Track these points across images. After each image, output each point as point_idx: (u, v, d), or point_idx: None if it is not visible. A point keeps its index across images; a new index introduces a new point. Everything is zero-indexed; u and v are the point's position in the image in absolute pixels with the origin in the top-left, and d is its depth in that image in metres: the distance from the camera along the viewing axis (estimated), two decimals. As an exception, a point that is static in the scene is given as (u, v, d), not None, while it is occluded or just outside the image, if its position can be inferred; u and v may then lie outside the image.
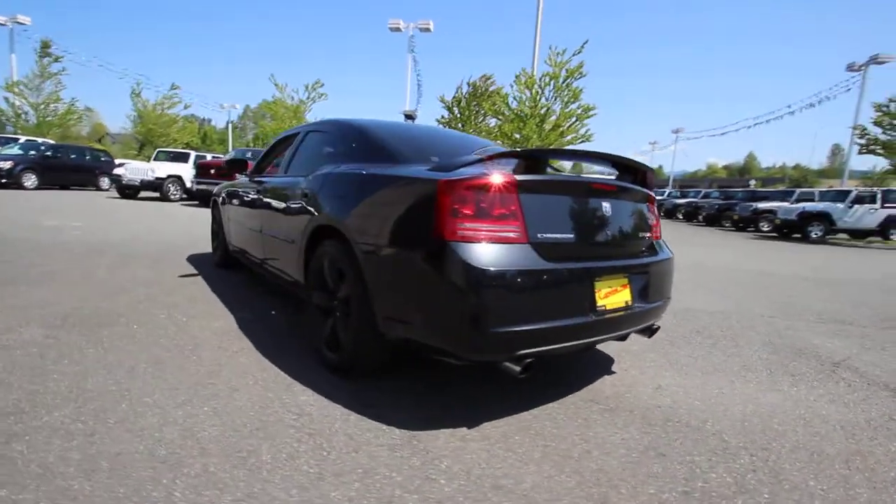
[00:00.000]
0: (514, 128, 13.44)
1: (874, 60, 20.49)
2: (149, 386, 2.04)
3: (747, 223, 18.14)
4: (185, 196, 14.97)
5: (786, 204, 16.96)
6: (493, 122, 18.94)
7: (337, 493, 1.42)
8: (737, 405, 2.23)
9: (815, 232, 14.45)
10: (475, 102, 18.72)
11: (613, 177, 2.38)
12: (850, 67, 21.85)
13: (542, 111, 13.26)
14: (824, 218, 14.36)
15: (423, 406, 2.02)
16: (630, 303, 2.06)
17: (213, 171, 12.98)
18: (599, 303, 1.91)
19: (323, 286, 2.42)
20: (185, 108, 23.85)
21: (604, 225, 2.05)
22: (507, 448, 1.73)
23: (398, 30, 24.04)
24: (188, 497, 1.36)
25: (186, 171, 15.16)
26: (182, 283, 3.90)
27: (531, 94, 13.35)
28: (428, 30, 24.18)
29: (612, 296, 1.99)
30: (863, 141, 14.86)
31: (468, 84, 19.00)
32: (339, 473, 1.52)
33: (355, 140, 2.52)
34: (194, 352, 2.47)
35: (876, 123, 14.30)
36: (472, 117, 18.80)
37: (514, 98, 14.03)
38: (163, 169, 14.47)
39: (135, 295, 3.46)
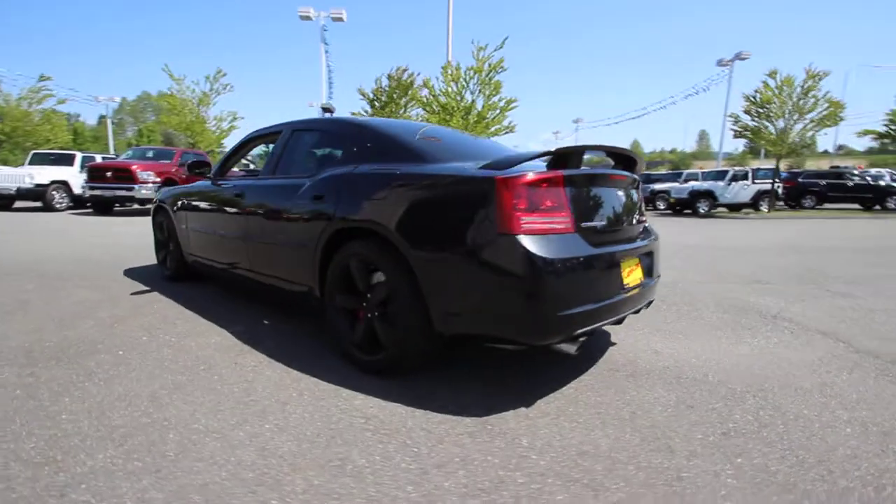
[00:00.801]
0: (441, 119, 13.64)
1: (738, 57, 24.01)
2: (185, 412, 1.90)
3: (646, 203, 20.34)
4: (72, 204, 13.11)
5: (677, 184, 19.31)
6: (415, 113, 18.96)
7: (449, 483, 1.48)
8: (723, 358, 2.62)
9: (703, 207, 16.63)
10: (397, 94, 18.57)
11: (611, 166, 2.63)
12: (719, 63, 25.35)
13: (468, 104, 13.61)
14: (709, 195, 16.58)
15: (468, 393, 2.11)
16: (642, 280, 2.33)
17: (109, 175, 11.52)
18: (625, 281, 2.15)
19: (349, 289, 2.39)
20: (59, 103, 20.49)
21: (620, 211, 2.29)
22: (571, 419, 1.90)
23: (308, 18, 22.91)
24: (311, 511, 1.34)
25: (73, 175, 13.26)
26: (142, 302, 3.53)
27: (457, 87, 13.63)
28: (341, 19, 23.35)
29: (632, 274, 2.24)
30: (736, 127, 17.36)
31: (388, 77, 18.75)
32: (439, 465, 1.58)
33: (371, 140, 2.49)
34: (211, 371, 2.30)
35: (745, 112, 16.76)
36: (396, 109, 18.64)
37: (441, 91, 14.21)
38: (43, 174, 12.51)
39: (98, 319, 3.07)
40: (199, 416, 1.86)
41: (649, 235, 2.63)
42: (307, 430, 1.78)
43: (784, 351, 2.76)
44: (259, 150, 4.57)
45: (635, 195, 2.53)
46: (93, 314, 3.18)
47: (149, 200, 10.75)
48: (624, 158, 2.64)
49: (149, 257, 5.02)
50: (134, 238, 7.31)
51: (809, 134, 16.55)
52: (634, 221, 2.48)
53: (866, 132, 19.60)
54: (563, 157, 2.00)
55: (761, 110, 16.15)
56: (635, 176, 2.57)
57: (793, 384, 2.29)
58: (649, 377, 2.34)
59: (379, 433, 1.77)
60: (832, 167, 22.90)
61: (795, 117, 15.56)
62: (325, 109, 18.92)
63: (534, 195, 1.84)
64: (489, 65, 13.52)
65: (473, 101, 14.10)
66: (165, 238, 4.29)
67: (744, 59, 23.83)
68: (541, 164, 2.02)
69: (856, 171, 20.09)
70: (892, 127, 18.12)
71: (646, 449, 1.69)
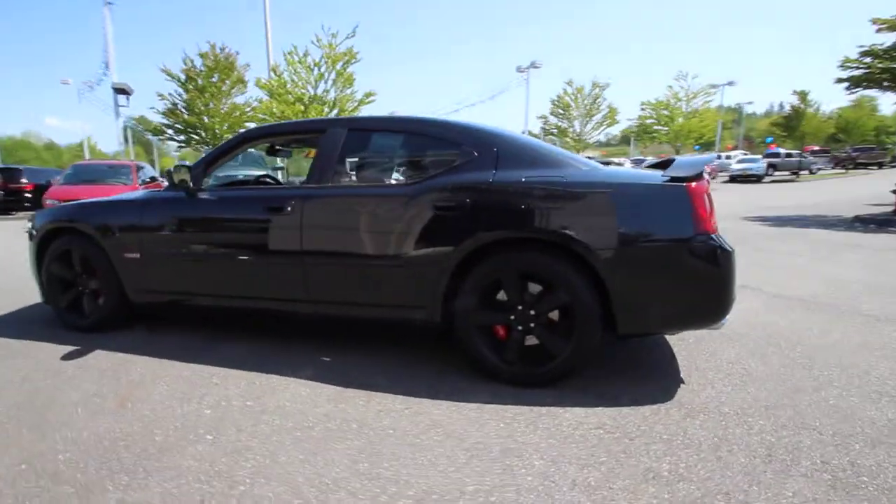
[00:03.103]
0: (297, 111, 12.42)
1: (533, 65, 28.36)
2: (379, 482, 1.58)
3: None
4: None
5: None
6: (241, 99, 16.83)
7: (667, 465, 1.66)
8: (784, 323, 3.28)
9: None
10: (218, 76, 16.04)
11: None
12: (518, 69, 29.49)
13: (321, 94, 12.74)
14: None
15: (618, 384, 2.30)
16: None
17: None
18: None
19: (490, 305, 2.27)
20: None
21: None
22: (704, 400, 2.26)
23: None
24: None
25: None
26: (109, 368, 2.51)
27: (314, 76, 12.58)
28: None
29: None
30: (546, 126, 20.79)
31: (201, 55, 16.00)
32: (686, 445, 1.75)
33: (500, 145, 2.33)
34: (352, 433, 1.91)
35: (552, 114, 20.17)
36: (216, 94, 16.11)
37: (291, 79, 12.90)
38: None
39: (91, 408, 2.09)
40: (399, 482, 1.58)
41: None
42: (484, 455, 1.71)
43: (804, 317, 3.69)
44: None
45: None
46: (68, 395, 2.14)
47: None
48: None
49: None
50: None
51: (597, 132, 21.08)
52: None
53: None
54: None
55: (563, 112, 19.74)
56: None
57: (844, 344, 3.13)
58: (756, 343, 2.88)
59: (618, 435, 1.82)
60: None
61: (587, 120, 19.65)
62: (120, 90, 15.01)
63: (708, 199, 2.11)
64: (346, 54, 12.89)
65: (327, 90, 13.28)
66: (76, 275, 3.05)
67: (538, 67, 28.37)
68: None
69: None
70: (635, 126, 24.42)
71: (807, 399, 2.18)
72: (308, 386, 2.29)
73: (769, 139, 34.27)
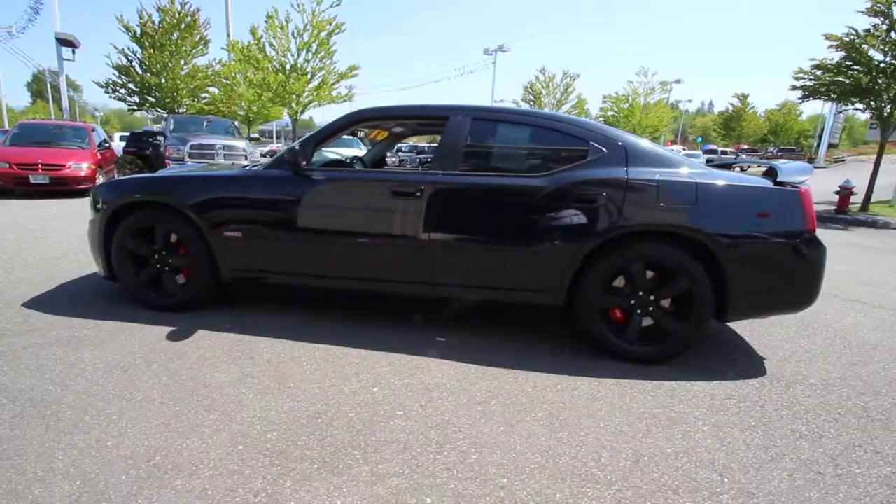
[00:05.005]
0: (279, 80, 11.73)
1: (501, 49, 28.48)
2: (587, 447, 1.81)
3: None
4: None
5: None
6: (202, 61, 15.65)
7: (803, 426, 2.05)
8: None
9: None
10: (176, 34, 14.68)
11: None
12: (485, 52, 29.51)
13: (309, 66, 12.10)
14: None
15: (720, 365, 2.64)
16: None
17: None
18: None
19: (611, 290, 2.52)
20: None
21: None
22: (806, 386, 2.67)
23: None
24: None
25: None
26: (230, 348, 2.48)
27: (297, 45, 11.87)
28: None
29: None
30: (517, 111, 21.19)
31: (159, 10, 14.55)
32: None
33: (627, 144, 2.53)
34: (530, 407, 2.09)
35: (523, 100, 20.53)
36: (175, 53, 14.77)
37: (271, 45, 12.10)
38: None
39: (253, 389, 2.08)
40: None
41: None
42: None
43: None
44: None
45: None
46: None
47: None
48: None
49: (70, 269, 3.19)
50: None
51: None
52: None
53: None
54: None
55: (534, 99, 20.20)
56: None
57: None
58: (842, 343, 3.32)
59: (748, 403, 2.15)
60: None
61: (557, 108, 20.27)
62: (65, 42, 13.29)
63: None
64: (332, 24, 12.29)
65: (307, 59, 12.65)
66: (154, 251, 2.90)
67: (505, 51, 28.53)
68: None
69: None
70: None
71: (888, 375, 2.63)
72: (446, 364, 2.42)
73: (699, 139, 37.05)
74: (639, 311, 2.52)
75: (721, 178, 2.47)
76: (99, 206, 2.97)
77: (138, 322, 2.76)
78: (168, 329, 2.67)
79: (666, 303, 2.57)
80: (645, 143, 2.64)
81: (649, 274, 2.52)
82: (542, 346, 2.70)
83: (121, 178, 3.85)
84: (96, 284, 3.38)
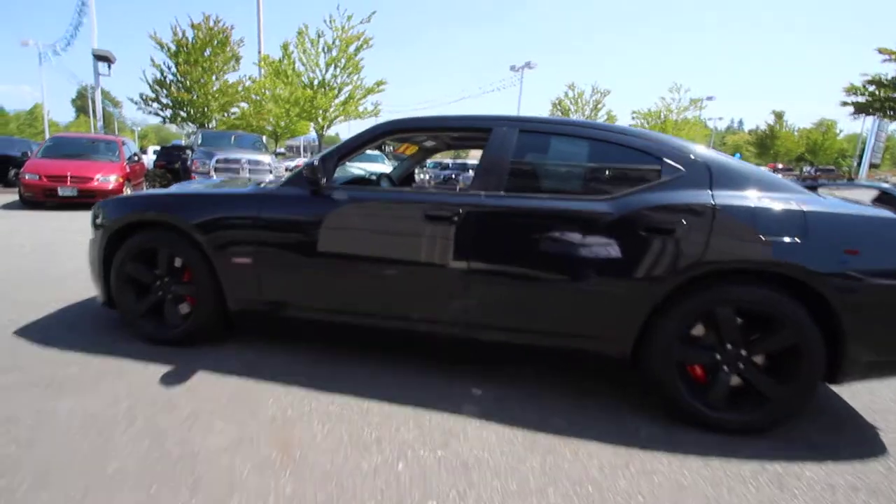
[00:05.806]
0: (307, 96, 11.69)
1: (528, 66, 28.27)
2: None
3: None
4: None
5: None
6: (233, 77, 15.89)
7: None
8: None
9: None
10: (209, 50, 14.96)
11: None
12: (512, 68, 29.36)
13: (337, 81, 12.04)
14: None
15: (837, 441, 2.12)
16: None
17: None
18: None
19: (690, 340, 2.05)
20: None
21: None
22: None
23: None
24: None
25: None
26: (230, 397, 2.10)
27: (325, 60, 11.83)
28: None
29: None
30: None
31: (193, 27, 14.88)
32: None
33: (710, 162, 2.09)
34: (598, 500, 1.62)
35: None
36: (208, 69, 15.03)
37: (301, 60, 12.12)
38: None
39: (252, 460, 1.69)
40: None
41: None
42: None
43: None
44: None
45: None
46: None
47: None
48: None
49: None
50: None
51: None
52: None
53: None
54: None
55: (563, 116, 19.79)
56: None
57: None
58: None
59: (881, 500, 1.63)
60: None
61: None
62: (102, 57, 13.68)
63: None
64: (361, 38, 12.24)
65: (335, 75, 12.60)
66: (156, 277, 2.58)
67: (532, 68, 28.30)
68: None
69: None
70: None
71: None
72: (486, 429, 1.97)
73: (738, 155, 36.09)
74: (726, 368, 2.04)
75: (833, 206, 1.99)
76: (99, 223, 2.69)
77: (132, 358, 2.42)
78: (163, 369, 2.32)
79: (758, 359, 2.08)
80: (732, 161, 2.18)
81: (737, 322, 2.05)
82: (598, 400, 2.23)
83: (127, 194, 3.59)
84: (98, 309, 3.09)
